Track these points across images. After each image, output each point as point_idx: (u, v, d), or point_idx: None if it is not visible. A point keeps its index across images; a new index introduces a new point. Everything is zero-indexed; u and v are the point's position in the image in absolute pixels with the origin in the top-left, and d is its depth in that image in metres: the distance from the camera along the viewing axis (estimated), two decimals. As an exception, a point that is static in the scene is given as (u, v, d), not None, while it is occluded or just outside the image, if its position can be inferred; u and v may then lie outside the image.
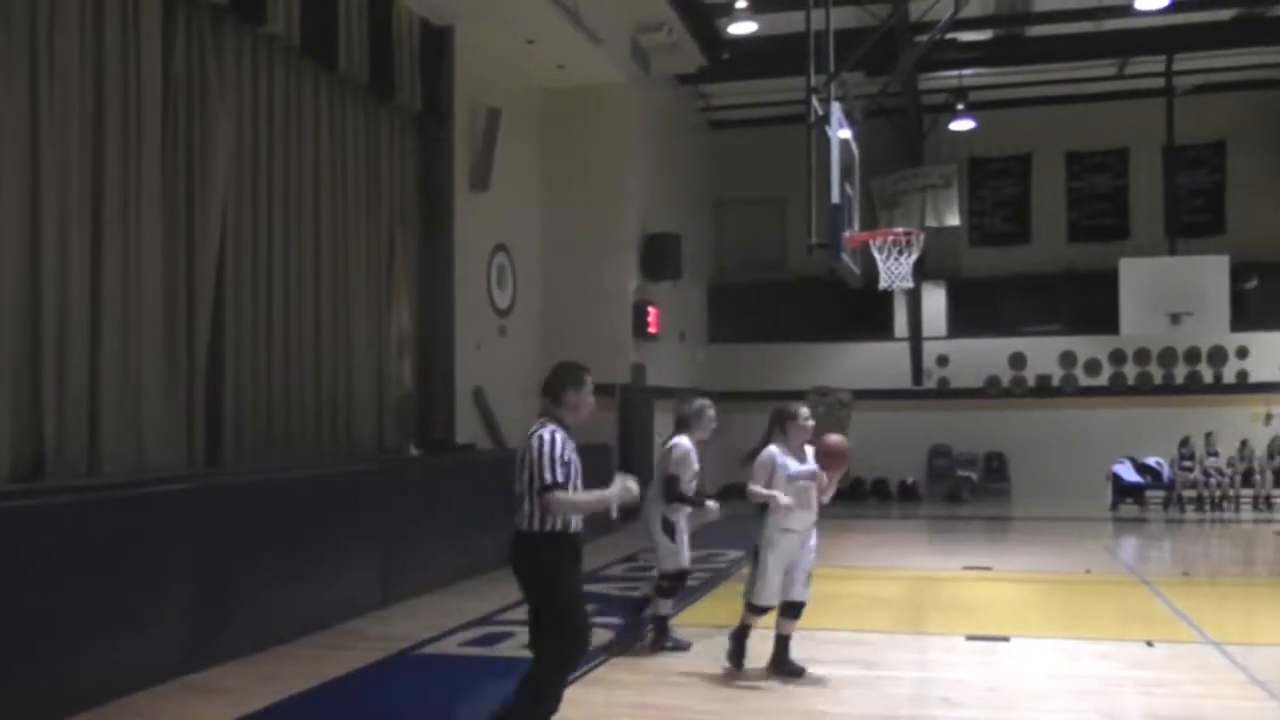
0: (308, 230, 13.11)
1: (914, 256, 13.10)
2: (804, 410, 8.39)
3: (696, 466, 9.33)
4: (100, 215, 10.01)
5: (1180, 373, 24.13)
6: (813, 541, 8.42)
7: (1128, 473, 21.16)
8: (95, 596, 7.64)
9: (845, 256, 11.92)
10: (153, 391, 10.49)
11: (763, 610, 8.35)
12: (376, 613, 10.82)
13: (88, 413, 9.81)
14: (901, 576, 13.64)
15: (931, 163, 23.93)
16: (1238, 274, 22.19)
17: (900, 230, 13.70)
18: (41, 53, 9.38)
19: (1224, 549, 17.08)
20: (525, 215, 18.64)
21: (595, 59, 17.74)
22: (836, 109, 11.69)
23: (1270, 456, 21.21)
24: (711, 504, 9.14)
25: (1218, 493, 21.03)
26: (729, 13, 19.60)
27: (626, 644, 9.28)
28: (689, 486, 9.23)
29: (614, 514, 6.39)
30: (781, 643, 8.43)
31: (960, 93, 23.34)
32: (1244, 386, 23.72)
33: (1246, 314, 22.74)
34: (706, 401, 9.67)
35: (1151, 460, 21.29)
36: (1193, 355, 24.01)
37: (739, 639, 8.49)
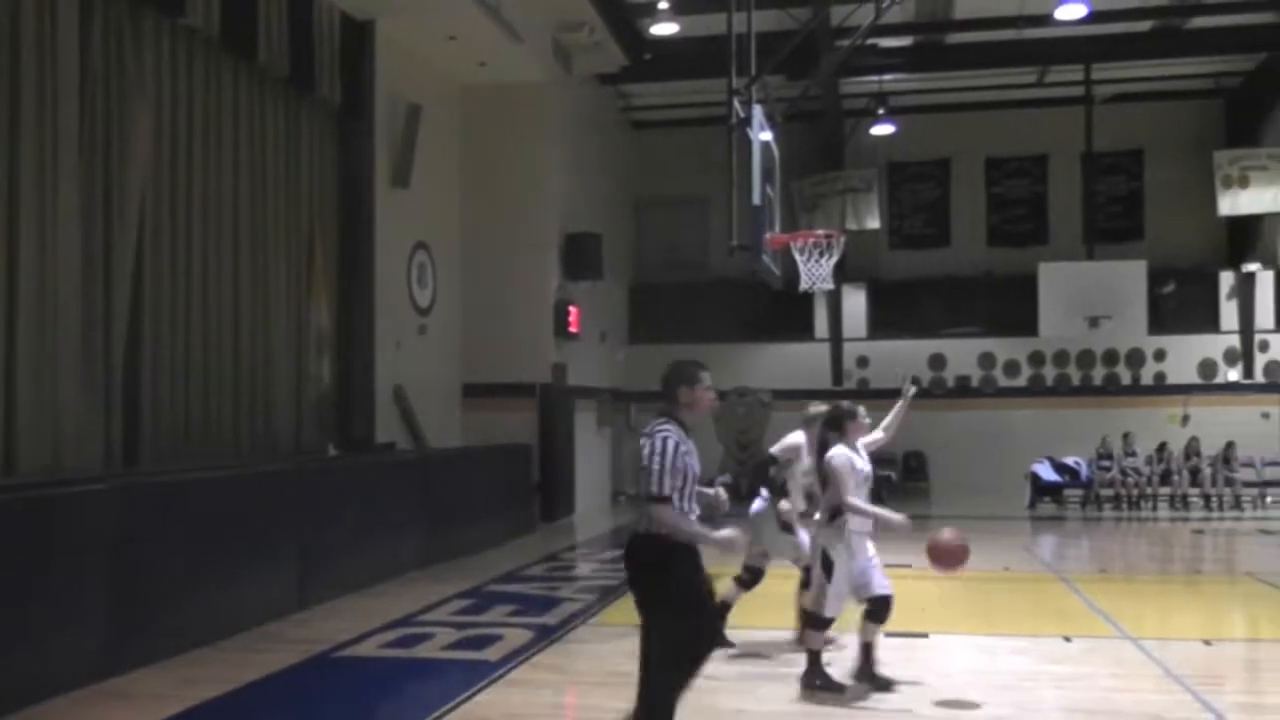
0: (226, 226, 12.93)
1: (834, 258, 13.16)
2: (860, 409, 8.34)
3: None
4: (15, 211, 9.84)
5: (1098, 374, 24.58)
6: None
7: (1046, 472, 21.46)
8: (7, 600, 7.45)
9: (766, 258, 11.96)
10: (69, 391, 10.31)
11: (830, 622, 7.95)
12: (295, 615, 10.65)
13: (2, 412, 9.63)
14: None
15: (852, 166, 24.19)
16: (1155, 279, 22.70)
17: (821, 232, 13.77)
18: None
19: (1141, 547, 17.31)
20: (446, 213, 18.52)
21: (516, 57, 17.66)
22: (758, 111, 11.72)
23: (1187, 457, 21.62)
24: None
25: (1135, 492, 21.42)
26: (651, 13, 19.63)
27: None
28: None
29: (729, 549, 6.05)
30: (867, 650, 8.08)
31: (881, 98, 23.59)
32: (1161, 388, 24.25)
33: (1164, 318, 23.23)
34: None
35: (1070, 460, 21.61)
36: (1111, 357, 24.46)
37: (817, 665, 7.92)
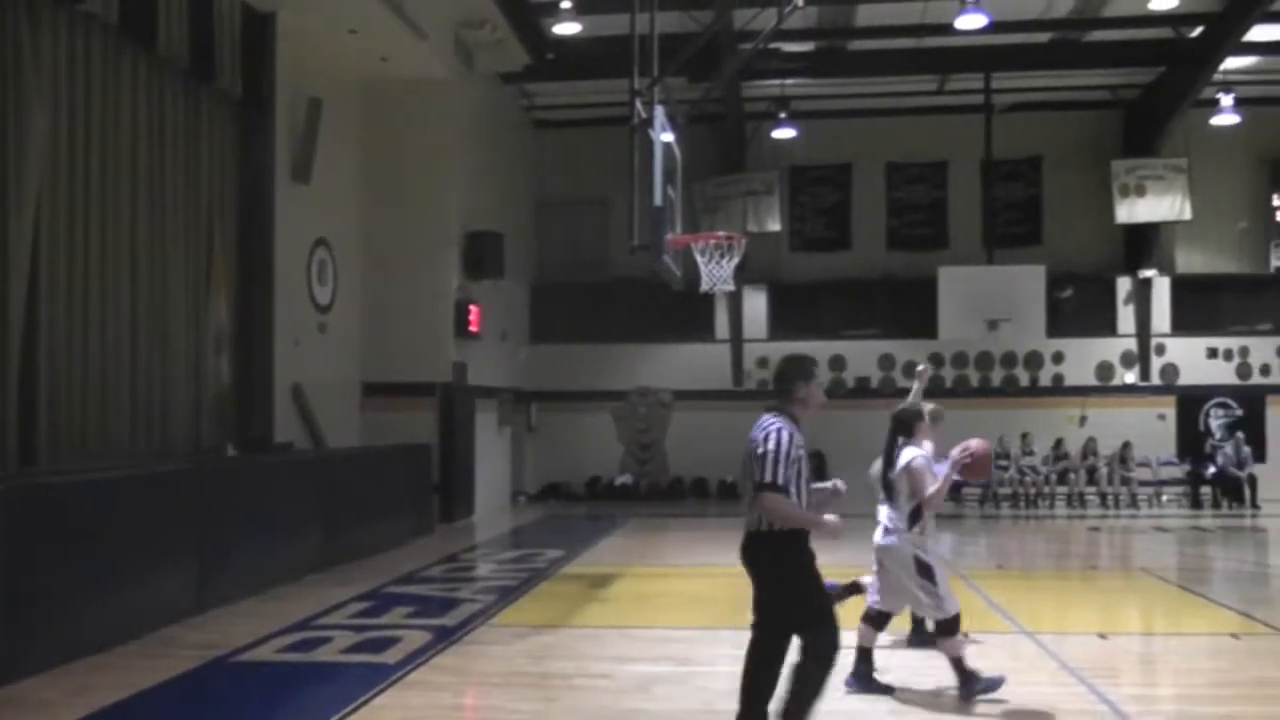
0: (124, 219, 12.63)
1: (735, 260, 13.26)
2: (929, 407, 8.37)
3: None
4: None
5: (997, 376, 25.02)
6: None
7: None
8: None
9: (667, 258, 12.02)
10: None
11: (958, 620, 7.80)
12: (192, 619, 10.46)
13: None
14: (720, 574, 13.66)
15: (753, 169, 24.42)
16: (1054, 283, 23.41)
17: (722, 234, 13.88)
18: None
19: (1038, 544, 17.67)
20: (347, 210, 18.31)
21: (418, 53, 17.50)
22: (660, 113, 11.78)
23: (1084, 456, 22.24)
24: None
25: (1033, 490, 21.92)
26: (554, 13, 19.59)
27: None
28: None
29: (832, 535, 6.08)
30: (865, 655, 8.08)
31: (783, 101, 23.80)
32: (1059, 389, 24.84)
33: (1062, 321, 23.81)
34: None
35: (967, 459, 21.90)
36: (1009, 360, 24.95)
37: (965, 669, 7.71)
